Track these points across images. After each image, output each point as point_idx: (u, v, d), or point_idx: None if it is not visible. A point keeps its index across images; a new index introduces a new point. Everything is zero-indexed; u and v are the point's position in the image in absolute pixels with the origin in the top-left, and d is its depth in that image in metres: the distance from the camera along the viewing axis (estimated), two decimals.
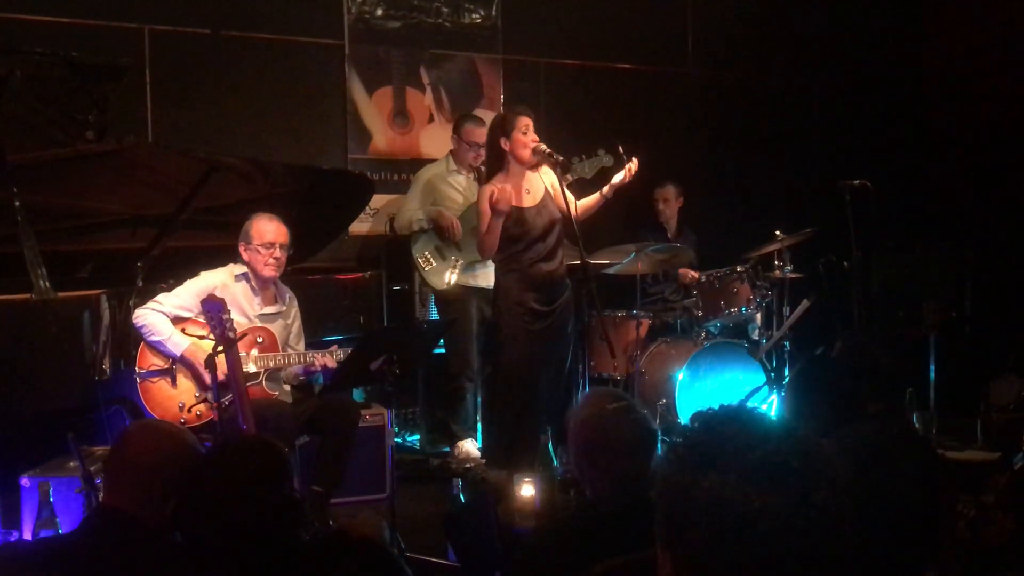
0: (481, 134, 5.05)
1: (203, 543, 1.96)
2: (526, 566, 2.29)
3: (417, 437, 5.75)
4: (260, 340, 3.96)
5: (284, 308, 4.14)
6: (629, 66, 6.73)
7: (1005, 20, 6.85)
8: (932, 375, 5.43)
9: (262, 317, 4.04)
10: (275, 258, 3.98)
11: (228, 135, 5.46)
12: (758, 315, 5.58)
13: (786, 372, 5.55)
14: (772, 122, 6.99)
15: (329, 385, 4.28)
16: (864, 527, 1.44)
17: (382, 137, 6.04)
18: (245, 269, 4.01)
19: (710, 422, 1.16)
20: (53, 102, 3.82)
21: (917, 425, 4.77)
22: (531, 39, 6.38)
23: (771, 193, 6.66)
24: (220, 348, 3.41)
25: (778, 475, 1.08)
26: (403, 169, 6.02)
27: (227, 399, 3.57)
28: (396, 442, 5.08)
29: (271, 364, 3.95)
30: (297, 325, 4.21)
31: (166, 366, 3.80)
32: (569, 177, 4.78)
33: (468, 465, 5.12)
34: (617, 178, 4.61)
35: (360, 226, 5.73)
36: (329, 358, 3.97)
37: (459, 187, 5.39)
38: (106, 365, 3.70)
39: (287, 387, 4.15)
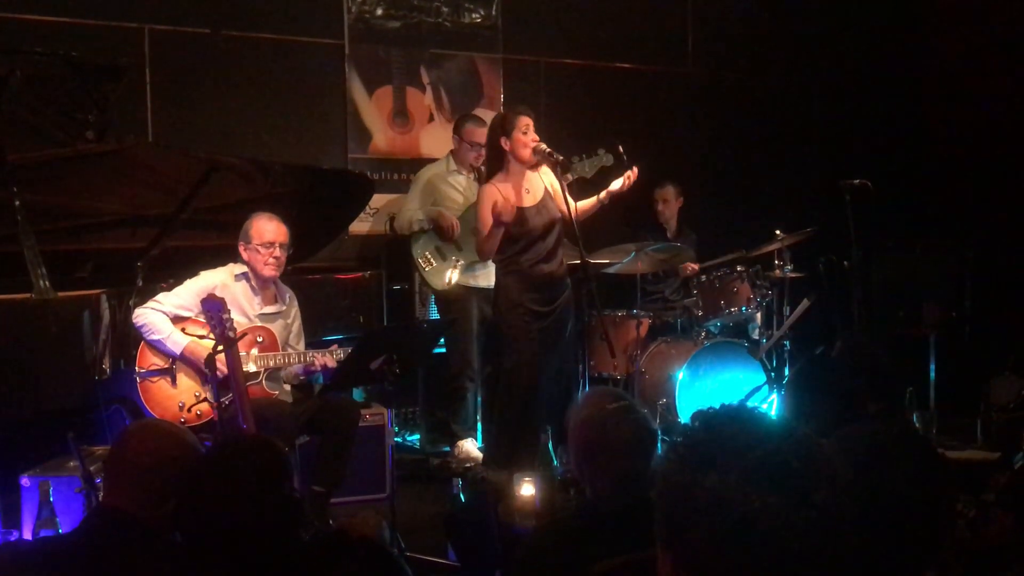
0: (482, 134, 5.05)
1: (203, 543, 1.96)
2: (526, 566, 2.29)
3: (417, 437, 5.75)
4: (260, 340, 3.96)
5: (284, 308, 4.14)
6: (629, 66, 6.73)
7: (1005, 20, 6.85)
8: (932, 375, 5.43)
9: (262, 317, 4.04)
10: (275, 257, 3.98)
11: (228, 135, 5.46)
12: (758, 314, 5.59)
13: (786, 372, 5.55)
14: (772, 122, 6.99)
15: (329, 385, 4.28)
16: (864, 527, 1.44)
17: (382, 137, 6.04)
18: (245, 269, 4.01)
19: (710, 422, 1.16)
20: (53, 102, 3.82)
21: (917, 425, 4.76)
22: (531, 39, 6.38)
23: (771, 193, 6.66)
24: (220, 347, 3.41)
25: (778, 475, 1.07)
26: (403, 169, 6.02)
27: (227, 399, 3.57)
28: (396, 442, 5.08)
29: (271, 364, 3.95)
30: (297, 325, 4.21)
31: (166, 366, 3.80)
32: (569, 176, 4.77)
33: (468, 465, 5.12)
34: (615, 185, 4.61)
35: (360, 226, 5.73)
36: (329, 358, 3.97)
37: (459, 187, 5.39)
38: (106, 365, 3.70)
39: (287, 387, 4.15)
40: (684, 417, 5.12)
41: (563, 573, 1.98)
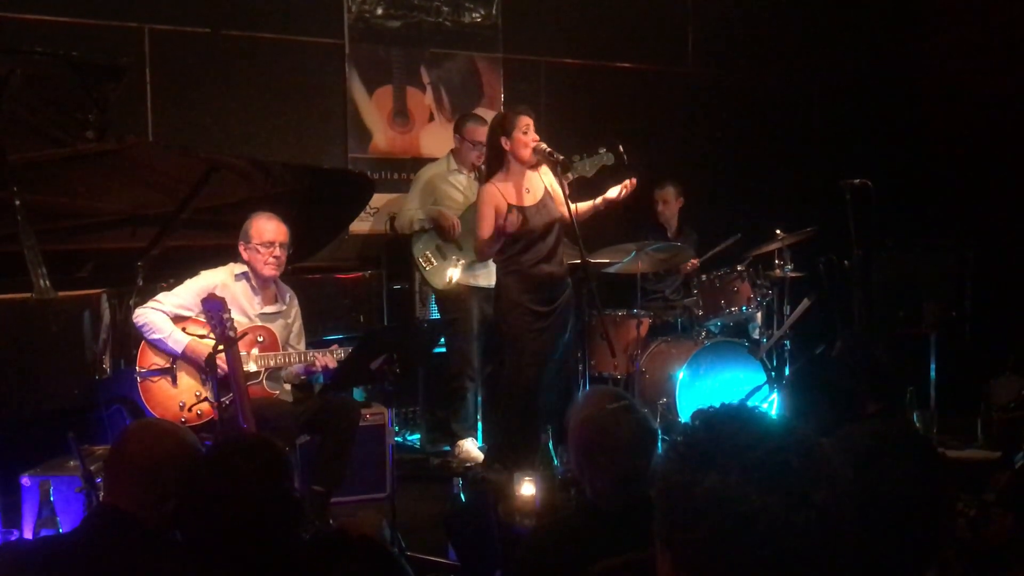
0: (484, 133, 5.04)
1: (203, 542, 1.96)
2: (526, 565, 2.29)
3: (417, 436, 5.75)
4: (261, 339, 3.96)
5: (284, 307, 4.14)
6: (629, 66, 6.73)
7: (1005, 20, 6.85)
8: (932, 374, 5.43)
9: (262, 316, 4.04)
10: (275, 257, 3.98)
11: (228, 135, 5.46)
12: (759, 314, 5.59)
13: (786, 371, 5.55)
14: (772, 122, 6.99)
15: (329, 384, 4.28)
16: (864, 527, 1.44)
17: (382, 136, 6.04)
18: (245, 268, 4.01)
19: (710, 421, 1.16)
20: (53, 102, 3.82)
21: (917, 424, 4.76)
22: (531, 38, 6.38)
23: (771, 193, 6.66)
24: (220, 347, 3.41)
25: (778, 474, 1.07)
26: (403, 168, 6.02)
27: (227, 398, 3.57)
28: (396, 441, 5.08)
29: (272, 363, 3.95)
30: (298, 324, 4.21)
31: (167, 365, 3.80)
32: (570, 176, 4.78)
33: (468, 464, 5.12)
34: (612, 193, 4.61)
35: (360, 225, 5.73)
36: (329, 357, 3.97)
37: (460, 186, 5.39)
38: (106, 364, 3.71)
39: (287, 386, 4.15)
40: (684, 416, 5.12)
41: (563, 573, 1.98)
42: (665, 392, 5.24)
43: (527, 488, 3.68)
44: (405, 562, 2.14)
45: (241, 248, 3.99)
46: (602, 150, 4.91)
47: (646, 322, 5.38)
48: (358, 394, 5.02)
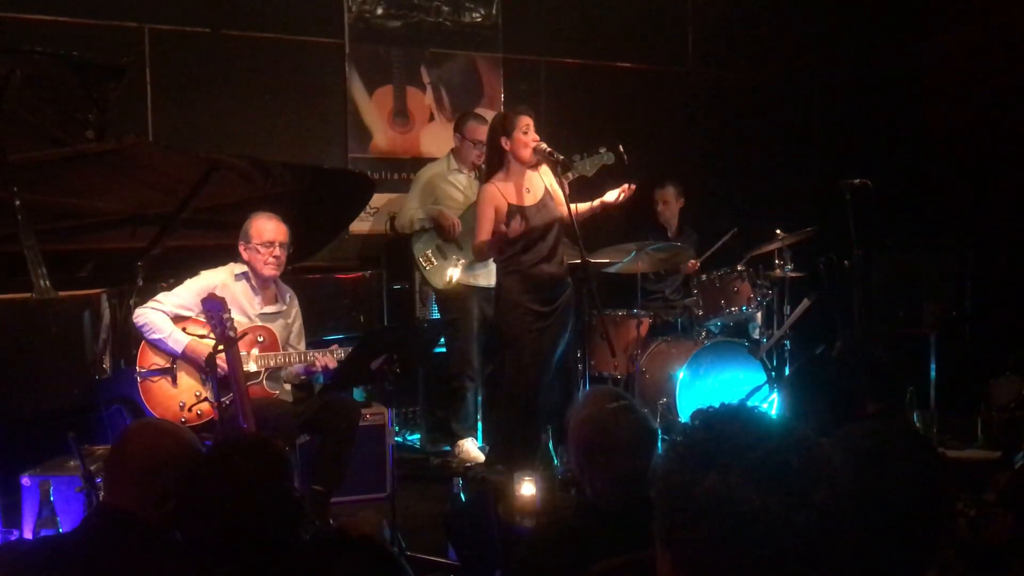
0: (484, 132, 5.04)
1: (203, 542, 1.96)
2: (526, 565, 2.29)
3: (417, 436, 5.75)
4: (261, 339, 3.96)
5: (284, 307, 4.14)
6: (629, 66, 6.73)
7: (1005, 20, 6.85)
8: (932, 374, 5.43)
9: (263, 316, 4.04)
10: (275, 257, 3.98)
11: (228, 135, 5.45)
12: (759, 314, 5.59)
13: (786, 371, 5.55)
14: (772, 122, 6.99)
15: (329, 384, 4.28)
16: (864, 527, 1.44)
17: (382, 136, 6.04)
18: (245, 268, 4.01)
19: (710, 421, 1.16)
20: (53, 102, 3.82)
21: (917, 424, 4.77)
22: (531, 38, 6.38)
23: (771, 193, 6.66)
24: (221, 347, 3.41)
25: (778, 474, 1.07)
26: (403, 168, 6.02)
27: (227, 398, 3.57)
28: (396, 441, 5.08)
29: (272, 363, 3.95)
30: (298, 324, 4.21)
31: (167, 365, 3.80)
32: (570, 176, 4.78)
33: (468, 464, 5.12)
34: (610, 196, 4.61)
35: (360, 225, 5.73)
36: (330, 357, 3.97)
37: (460, 186, 5.39)
38: (106, 364, 3.71)
39: (288, 386, 4.15)
40: (684, 416, 5.12)
41: (563, 573, 1.98)
42: (665, 392, 5.24)
43: (527, 488, 3.68)
44: (405, 562, 2.14)
45: (241, 248, 3.99)
46: (602, 150, 4.91)
47: (646, 322, 5.38)
48: (358, 394, 5.02)
